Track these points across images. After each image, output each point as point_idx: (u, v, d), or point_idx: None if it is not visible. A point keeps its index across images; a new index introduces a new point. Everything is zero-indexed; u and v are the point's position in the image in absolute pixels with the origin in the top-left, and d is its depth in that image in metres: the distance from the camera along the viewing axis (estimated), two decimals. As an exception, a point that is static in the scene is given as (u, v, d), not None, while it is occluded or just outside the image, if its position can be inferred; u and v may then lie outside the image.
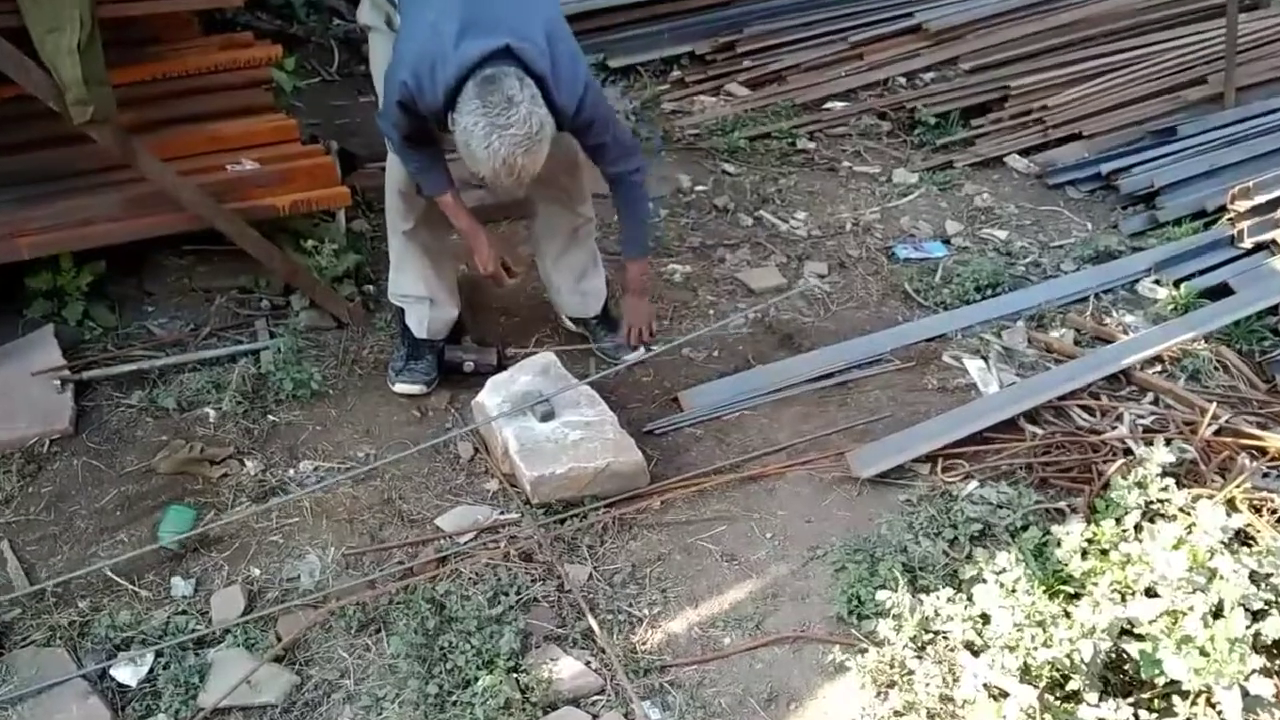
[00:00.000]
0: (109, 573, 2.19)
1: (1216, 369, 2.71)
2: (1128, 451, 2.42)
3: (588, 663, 2.02)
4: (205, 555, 2.25)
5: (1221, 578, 1.84)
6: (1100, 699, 1.78)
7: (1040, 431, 2.51)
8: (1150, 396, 2.64)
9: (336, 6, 4.28)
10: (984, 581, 2.00)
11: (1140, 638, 1.84)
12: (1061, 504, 2.29)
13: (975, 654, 1.90)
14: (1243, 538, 2.10)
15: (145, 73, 2.89)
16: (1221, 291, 3.00)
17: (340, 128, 3.75)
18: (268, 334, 2.88)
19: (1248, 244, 3.21)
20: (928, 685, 1.87)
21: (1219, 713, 1.73)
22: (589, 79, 2.25)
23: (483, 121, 2.03)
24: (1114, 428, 2.50)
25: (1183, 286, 3.07)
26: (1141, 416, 2.54)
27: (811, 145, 4.02)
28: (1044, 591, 1.98)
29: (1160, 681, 1.77)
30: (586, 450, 2.36)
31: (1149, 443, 2.37)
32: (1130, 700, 1.80)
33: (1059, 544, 2.08)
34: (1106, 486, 2.28)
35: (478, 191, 2.89)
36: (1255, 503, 2.20)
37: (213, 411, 2.61)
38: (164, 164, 2.69)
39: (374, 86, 2.44)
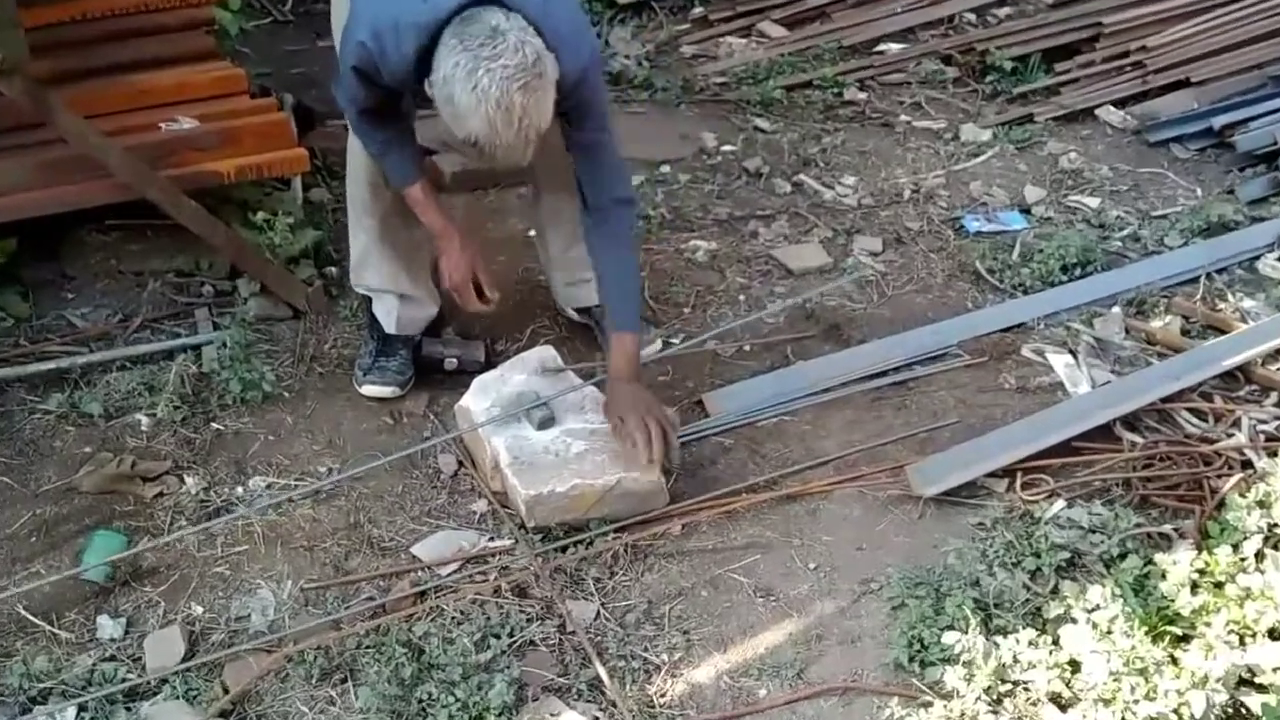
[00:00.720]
0: (22, 611, 2.20)
1: (1356, 364, 2.72)
2: (1246, 464, 2.42)
3: (595, 718, 2.03)
4: (137, 589, 2.26)
5: (1362, 617, 1.86)
6: (1215, 762, 1.81)
7: (1141, 440, 2.53)
8: (1274, 397, 2.64)
9: (290, -67, 4.33)
10: (1073, 621, 2.01)
11: (1262, 689, 1.85)
12: (1167, 528, 2.29)
13: (1063, 708, 1.90)
14: (1388, 569, 2.09)
15: (63, 13, 2.90)
16: (1362, 270, 3.08)
17: (296, 78, 3.77)
18: (210, 325, 2.90)
19: (1393, 213, 3.22)
20: (1006, 746, 1.91)
21: (1357, 779, 1.76)
22: (595, 53, 2.23)
23: (464, 59, 1.94)
24: (1230, 435, 2.51)
25: (1314, 264, 3.11)
26: (1263, 422, 2.54)
27: (862, 96, 4.02)
28: (1146, 633, 1.98)
29: (1287, 741, 1.81)
30: (593, 464, 2.36)
31: (1272, 454, 2.38)
32: (1251, 765, 1.84)
33: (1164, 576, 2.09)
34: (1221, 506, 2.28)
35: (455, 157, 2.93)
36: (1403, 526, 2.20)
37: (145, 418, 2.62)
38: (86, 122, 2.70)
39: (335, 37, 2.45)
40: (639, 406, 2.36)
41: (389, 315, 2.70)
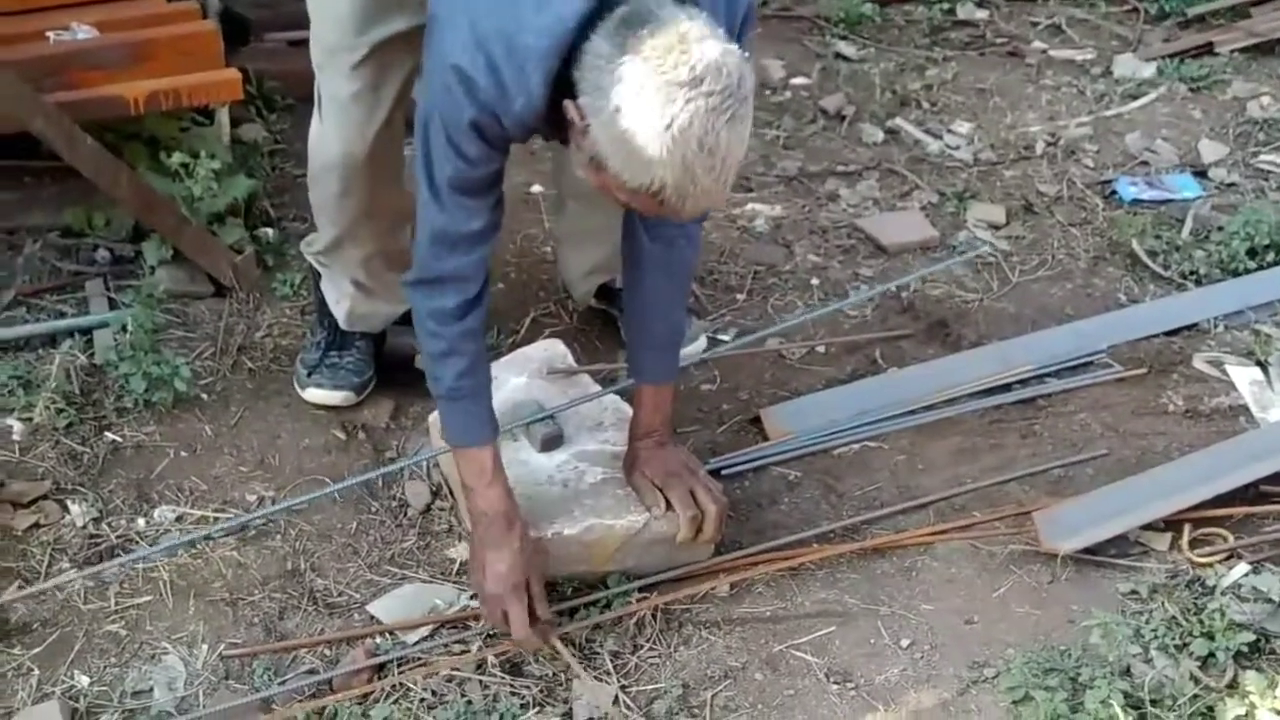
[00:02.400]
0: None
1: None
2: None
3: (610, 845, 2.06)
4: (3, 652, 2.26)
5: None
6: None
7: (1354, 487, 2.53)
8: None
9: None
10: (1258, 726, 2.00)
11: None
12: (1386, 603, 2.28)
13: (1243, 842, 1.91)
14: None
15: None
16: None
17: (225, -24, 3.79)
18: (106, 303, 2.92)
19: None
20: None
21: None
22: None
23: (650, 82, 1.77)
24: None
25: None
26: None
27: (981, 15, 4.05)
28: (1356, 744, 1.98)
29: None
30: (613, 500, 2.36)
31: None
32: None
33: (1382, 667, 2.09)
34: None
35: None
36: None
37: (18, 424, 2.63)
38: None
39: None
40: (682, 473, 2.35)
41: (340, 305, 2.72)
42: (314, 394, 2.72)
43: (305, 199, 2.69)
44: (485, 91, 1.93)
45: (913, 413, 2.75)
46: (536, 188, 3.45)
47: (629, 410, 2.47)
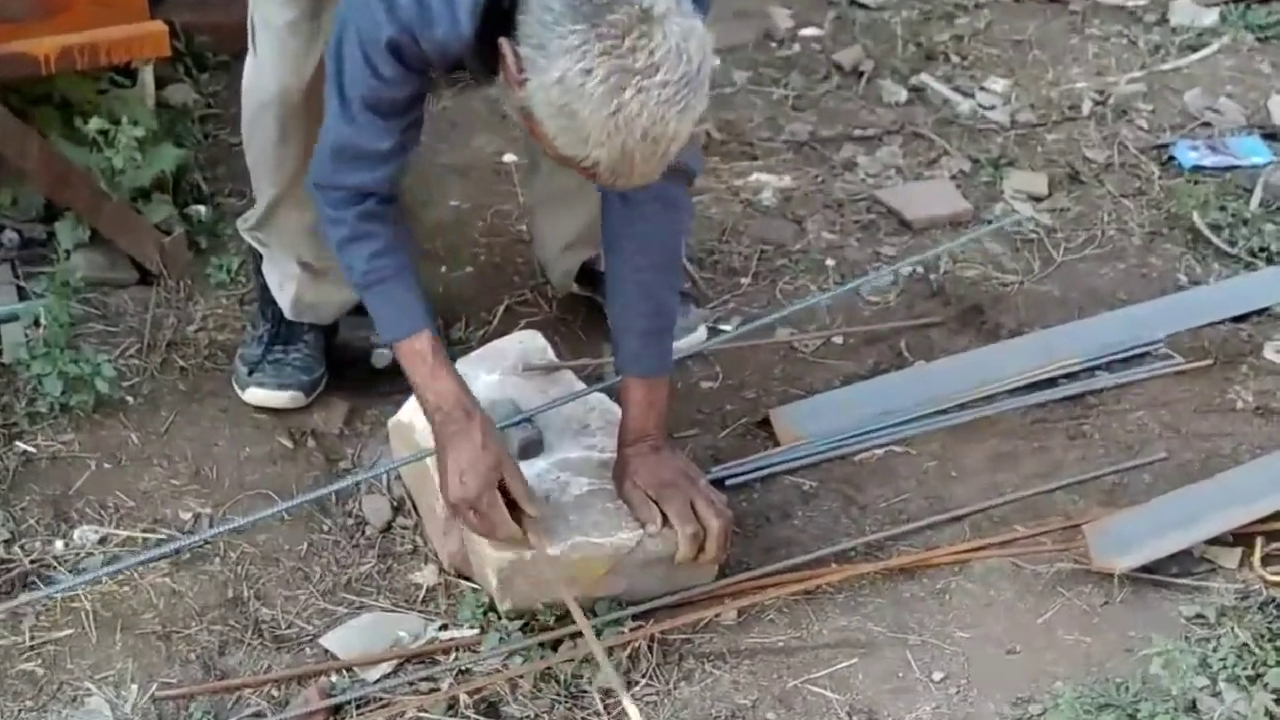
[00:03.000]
0: None
1: None
2: None
3: None
4: (-100, 695, 2.25)
5: None
6: None
7: None
8: None
9: None
10: (1343, 769, 2.00)
11: None
12: None
13: None
14: None
15: None
16: None
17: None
18: (15, 293, 2.92)
19: None
20: None
21: None
22: None
23: (603, 68, 1.87)
24: None
25: None
26: None
27: (1018, -47, 4.07)
28: None
29: None
30: (602, 514, 2.37)
31: None
32: None
33: None
34: None
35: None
36: None
37: (-87, 431, 2.66)
38: None
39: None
40: (680, 483, 2.36)
41: (284, 291, 2.73)
42: (256, 395, 2.73)
43: (243, 170, 2.70)
44: (406, 10, 2.03)
45: (944, 412, 2.76)
46: (510, 156, 3.45)
47: (618, 411, 2.47)
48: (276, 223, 2.69)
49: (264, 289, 2.77)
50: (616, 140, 1.90)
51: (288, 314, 2.74)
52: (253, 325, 2.81)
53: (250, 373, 2.73)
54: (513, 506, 2.27)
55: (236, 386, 2.75)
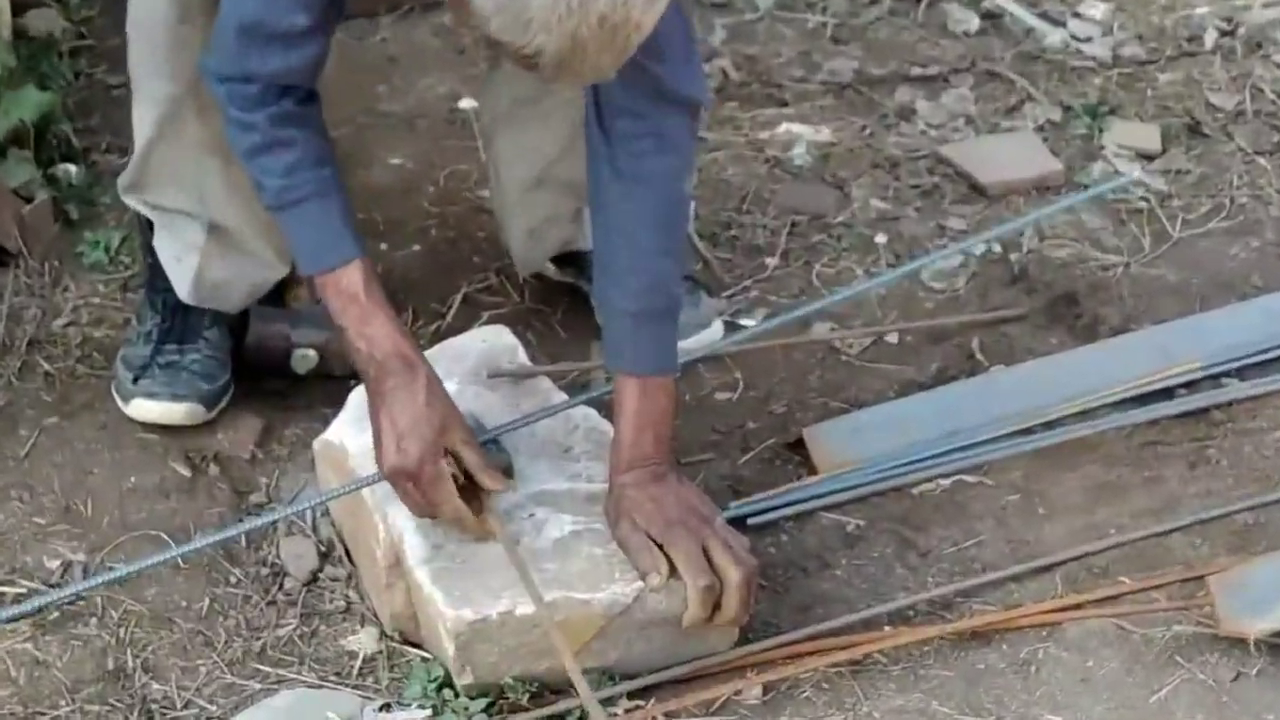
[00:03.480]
0: None
1: None
2: None
3: None
4: None
5: None
6: None
7: None
8: None
9: None
10: None
11: None
12: None
13: None
14: None
15: None
16: None
17: None
18: None
19: None
20: None
21: None
22: None
23: None
24: None
25: None
26: None
27: None
28: None
29: None
30: (588, 562, 2.32)
31: None
32: None
33: None
34: None
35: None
36: None
37: None
38: None
39: None
40: (690, 521, 2.34)
41: (184, 267, 2.69)
42: (143, 408, 2.65)
43: (125, 118, 2.63)
44: None
45: (1028, 432, 2.70)
46: (467, 102, 3.44)
47: (609, 430, 2.45)
48: (172, 148, 2.62)
49: (154, 269, 2.72)
50: (568, 25, 1.90)
51: (185, 297, 2.69)
52: (138, 319, 2.75)
53: (136, 379, 2.66)
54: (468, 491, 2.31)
55: (118, 397, 2.68)
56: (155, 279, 2.71)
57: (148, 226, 2.70)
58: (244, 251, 2.68)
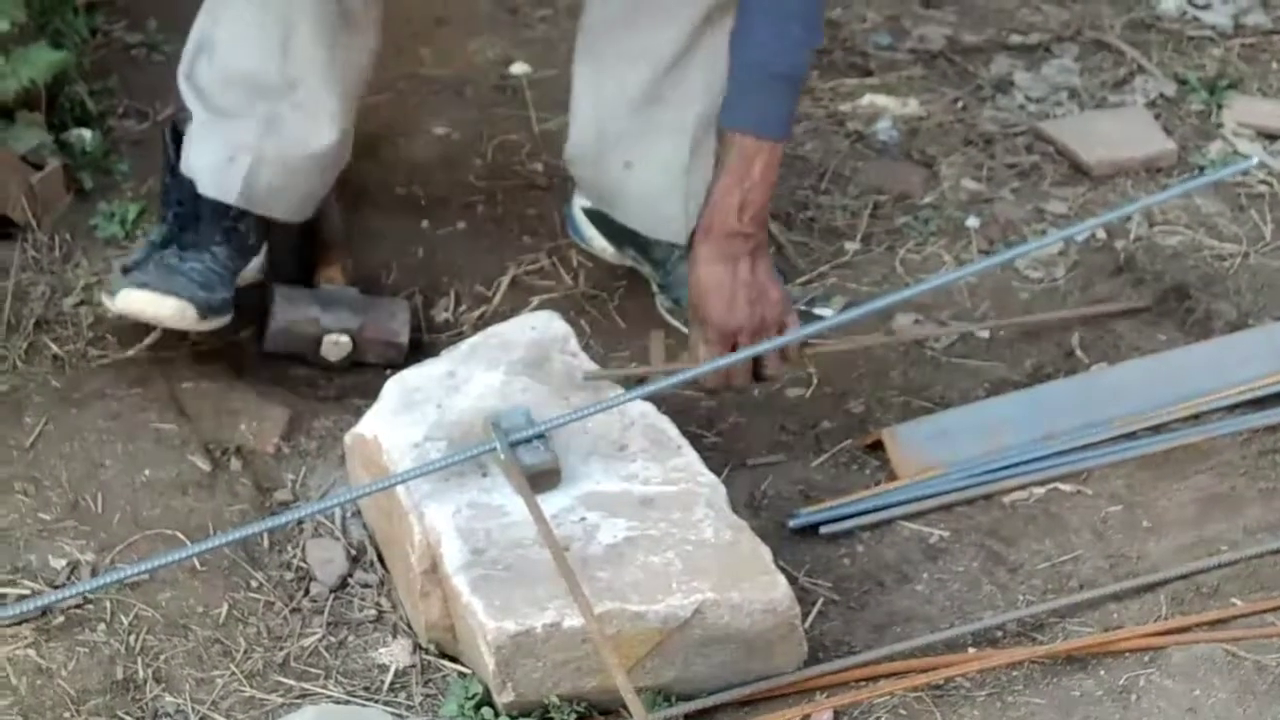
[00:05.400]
0: None
1: None
2: None
3: None
4: None
5: None
6: None
7: None
8: None
9: None
10: None
11: None
12: None
13: None
14: None
15: None
16: None
17: None
18: None
19: None
20: None
21: None
22: None
23: None
24: None
25: None
26: None
27: None
28: None
29: None
30: (645, 570, 2.32)
31: None
32: None
33: None
34: None
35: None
36: None
37: None
38: None
39: None
40: (734, 311, 2.52)
41: (235, 168, 2.71)
42: (129, 298, 2.67)
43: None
44: None
45: (1132, 436, 2.70)
46: (520, 67, 3.47)
47: (666, 427, 2.50)
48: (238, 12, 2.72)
49: (173, 170, 2.78)
50: None
51: (235, 199, 2.74)
52: (145, 233, 2.86)
53: (126, 271, 2.70)
54: None
55: (106, 297, 2.69)
56: (169, 193, 2.78)
57: (177, 127, 2.77)
58: (310, 117, 2.72)
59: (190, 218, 2.75)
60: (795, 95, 2.59)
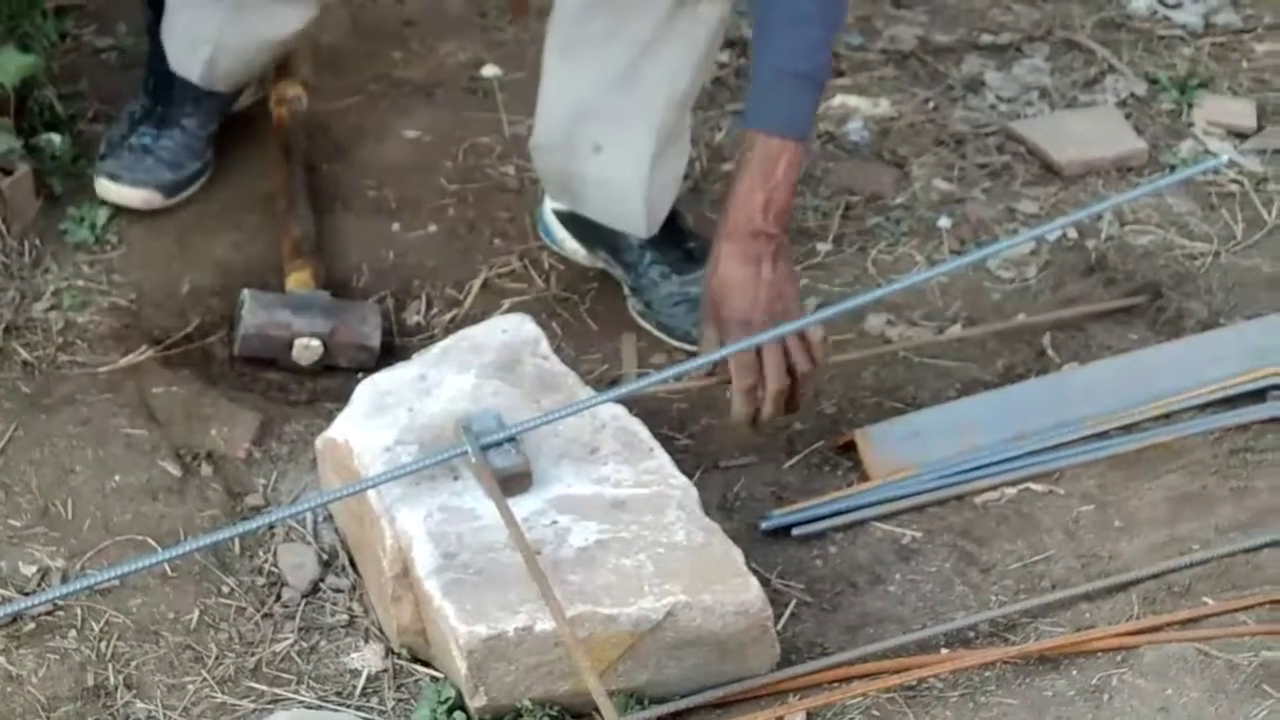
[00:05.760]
0: None
1: None
2: None
3: None
4: None
5: None
6: None
7: None
8: None
9: None
10: None
11: None
12: None
13: None
14: None
15: None
16: None
17: None
18: None
19: None
20: None
21: None
22: None
23: None
24: None
25: None
26: None
27: None
28: None
29: None
30: (617, 573, 2.34)
31: None
32: None
33: None
34: None
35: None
36: None
37: None
38: None
39: None
40: (755, 310, 2.53)
41: (196, 55, 2.91)
42: (103, 187, 2.96)
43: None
44: None
45: (1103, 436, 2.72)
46: (491, 69, 3.47)
47: (638, 431, 2.51)
48: None
49: (155, 53, 2.98)
50: None
51: (198, 80, 2.95)
52: (133, 98, 3.02)
53: (104, 157, 2.96)
54: None
55: (96, 180, 2.97)
56: (153, 60, 2.97)
57: (156, 9, 2.93)
58: (258, 11, 2.87)
59: (161, 88, 2.97)
60: (818, 95, 2.61)
